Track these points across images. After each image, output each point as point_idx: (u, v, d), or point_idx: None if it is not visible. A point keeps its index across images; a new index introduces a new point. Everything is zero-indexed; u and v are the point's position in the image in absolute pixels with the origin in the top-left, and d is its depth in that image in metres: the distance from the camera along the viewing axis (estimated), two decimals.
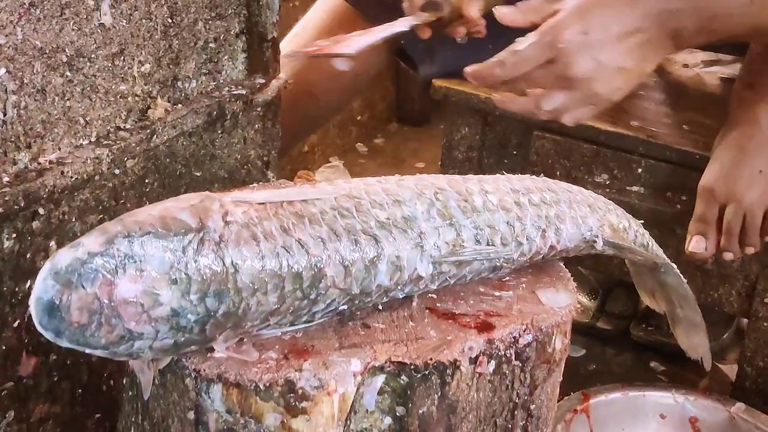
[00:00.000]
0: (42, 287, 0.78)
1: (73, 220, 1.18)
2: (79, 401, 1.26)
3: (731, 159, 1.39)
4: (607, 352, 1.82)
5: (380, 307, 0.93)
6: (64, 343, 0.80)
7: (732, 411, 1.49)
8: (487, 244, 0.95)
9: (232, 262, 0.82)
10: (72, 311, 0.78)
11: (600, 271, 1.85)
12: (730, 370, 1.72)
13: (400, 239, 0.90)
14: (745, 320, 1.58)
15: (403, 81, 2.56)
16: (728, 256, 1.40)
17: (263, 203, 0.87)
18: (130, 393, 0.94)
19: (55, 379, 1.22)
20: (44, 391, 1.21)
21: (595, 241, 1.06)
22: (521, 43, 1.25)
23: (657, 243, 1.20)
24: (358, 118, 2.52)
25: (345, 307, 0.91)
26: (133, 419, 0.94)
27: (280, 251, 0.84)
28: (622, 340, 1.83)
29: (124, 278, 0.79)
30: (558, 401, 1.45)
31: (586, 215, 1.05)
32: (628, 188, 1.46)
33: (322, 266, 0.86)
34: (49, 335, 0.79)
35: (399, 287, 0.92)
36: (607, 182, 1.53)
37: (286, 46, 1.72)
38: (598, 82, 1.25)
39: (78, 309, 0.78)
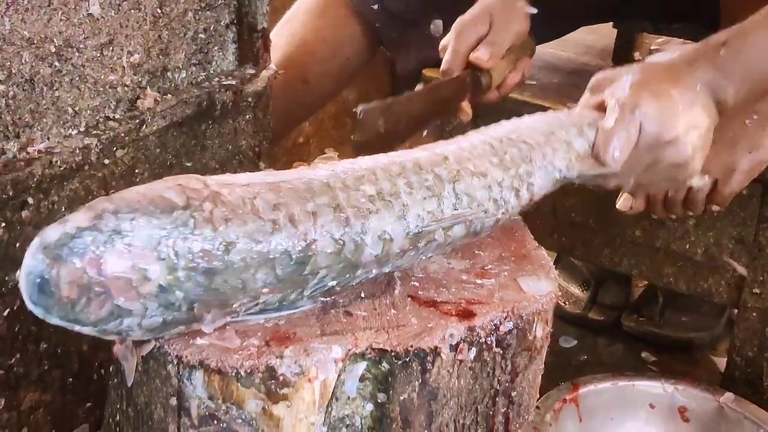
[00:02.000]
0: (31, 262, 0.78)
1: (63, 209, 1.18)
2: (69, 389, 1.27)
3: None
4: (599, 342, 1.82)
5: (363, 295, 0.94)
6: (54, 320, 0.80)
7: (721, 401, 1.49)
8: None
9: (220, 239, 0.83)
10: (62, 285, 0.78)
11: (592, 263, 1.85)
12: (721, 361, 1.73)
13: (385, 213, 0.91)
14: (735, 311, 1.59)
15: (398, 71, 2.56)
16: (654, 215, 1.43)
17: (247, 184, 0.88)
18: (115, 380, 0.94)
19: (46, 367, 1.22)
20: (35, 379, 1.21)
21: (566, 178, 1.08)
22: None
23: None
24: (354, 109, 2.51)
25: (334, 282, 0.91)
26: (118, 406, 0.95)
27: (268, 227, 0.85)
28: (613, 331, 1.84)
29: (113, 253, 0.79)
30: (548, 391, 1.47)
31: (553, 158, 1.06)
32: None
33: (310, 241, 0.87)
34: (38, 311, 0.80)
35: (386, 260, 0.93)
36: None
37: (277, 32, 1.73)
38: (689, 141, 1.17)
39: (68, 283, 0.78)
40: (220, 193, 0.85)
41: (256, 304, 0.88)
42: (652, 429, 1.52)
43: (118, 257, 0.79)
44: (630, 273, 1.66)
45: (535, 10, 1.43)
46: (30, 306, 0.80)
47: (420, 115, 1.35)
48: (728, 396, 1.50)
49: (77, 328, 0.81)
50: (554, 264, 1.97)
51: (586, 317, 1.87)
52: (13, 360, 1.16)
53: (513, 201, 1.01)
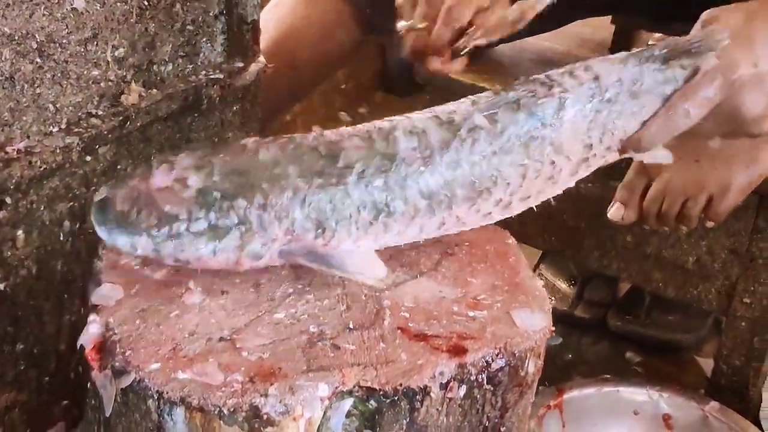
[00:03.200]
0: (97, 197, 0.94)
1: (42, 208, 1.15)
2: (46, 389, 1.25)
3: (675, 141, 1.37)
4: (584, 341, 1.81)
5: (351, 326, 0.91)
6: (114, 235, 0.92)
7: (706, 410, 1.48)
8: None
9: (250, 150, 0.95)
10: (117, 202, 0.92)
11: (581, 265, 1.84)
12: (707, 363, 1.72)
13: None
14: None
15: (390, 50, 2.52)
16: (645, 226, 1.41)
17: None
18: (93, 402, 0.91)
19: (22, 367, 1.20)
20: (10, 380, 1.19)
21: None
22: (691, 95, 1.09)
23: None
24: (342, 86, 2.47)
25: (381, 180, 0.94)
26: (95, 428, 0.92)
27: (296, 139, 0.96)
28: (599, 329, 1.82)
29: (158, 173, 0.93)
30: None
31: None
32: (610, 183, 1.43)
33: (338, 141, 0.95)
34: (101, 231, 0.93)
35: (429, 154, 0.96)
36: (590, 175, 1.50)
37: (265, 16, 1.68)
38: None
39: (121, 200, 0.92)
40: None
41: (303, 201, 0.92)
42: None
43: (162, 175, 0.93)
44: (619, 276, 1.64)
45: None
46: (97, 228, 0.93)
47: None
48: (713, 405, 1.49)
49: (136, 239, 0.91)
50: (541, 258, 1.96)
51: (572, 315, 1.85)
52: None
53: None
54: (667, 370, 1.72)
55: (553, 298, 1.83)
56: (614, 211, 1.39)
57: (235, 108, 1.40)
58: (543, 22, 1.66)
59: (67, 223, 1.18)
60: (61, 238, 1.18)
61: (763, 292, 1.47)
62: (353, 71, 2.48)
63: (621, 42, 1.71)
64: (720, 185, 1.34)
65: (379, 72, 2.61)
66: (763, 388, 1.56)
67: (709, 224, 1.36)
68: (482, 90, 1.47)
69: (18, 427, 1.23)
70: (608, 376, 1.54)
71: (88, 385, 0.93)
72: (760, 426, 1.52)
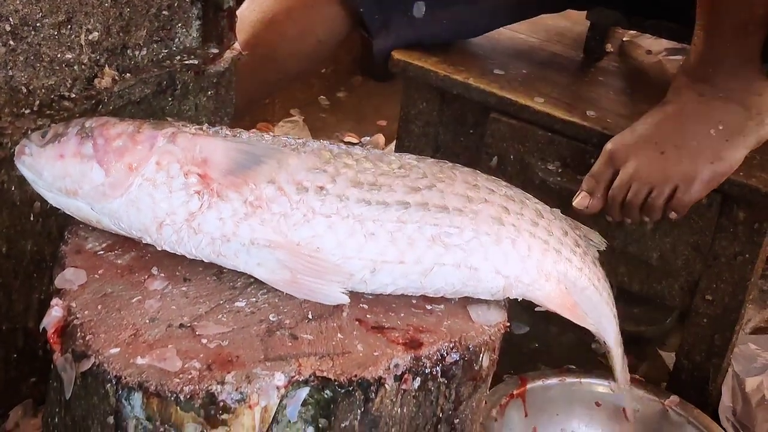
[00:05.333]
0: None
1: (13, 188, 1.16)
2: (13, 366, 1.26)
3: (643, 131, 1.41)
4: (550, 330, 1.82)
5: (310, 316, 0.93)
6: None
7: (666, 403, 1.51)
8: None
9: None
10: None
11: None
12: (670, 357, 1.74)
13: None
14: None
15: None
16: (608, 218, 1.43)
17: None
18: (54, 384, 0.93)
19: None
20: None
21: None
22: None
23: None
24: (322, 70, 2.48)
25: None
26: (57, 410, 0.94)
27: None
28: (565, 320, 1.83)
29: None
30: (497, 381, 1.47)
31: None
32: (579, 177, 1.45)
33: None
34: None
35: None
36: (559, 170, 1.52)
37: (248, 5, 1.69)
38: None
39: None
40: None
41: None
42: (596, 427, 1.53)
43: None
44: None
45: None
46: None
47: None
48: (673, 399, 1.51)
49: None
50: None
51: None
52: None
53: None
54: (630, 362, 1.73)
55: None
56: (580, 200, 1.40)
57: (209, 93, 1.41)
58: (514, 13, 1.68)
59: (37, 204, 1.19)
60: (32, 219, 1.20)
61: (725, 290, 1.49)
62: (333, 56, 2.49)
63: (596, 39, 1.72)
64: (685, 177, 1.36)
65: (358, 56, 2.61)
66: (722, 384, 1.59)
67: (672, 215, 1.38)
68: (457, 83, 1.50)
69: None
70: (572, 366, 1.56)
71: (51, 366, 0.94)
72: (718, 421, 1.54)
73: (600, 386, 1.53)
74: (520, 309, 1.84)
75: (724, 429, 1.51)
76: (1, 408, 1.28)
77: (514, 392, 1.49)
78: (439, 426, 0.95)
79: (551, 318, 1.83)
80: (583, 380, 1.54)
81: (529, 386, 1.50)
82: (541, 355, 1.75)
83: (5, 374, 1.26)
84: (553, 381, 1.53)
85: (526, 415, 1.49)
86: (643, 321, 1.84)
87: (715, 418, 1.54)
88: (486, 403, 1.44)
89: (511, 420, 1.48)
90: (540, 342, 1.80)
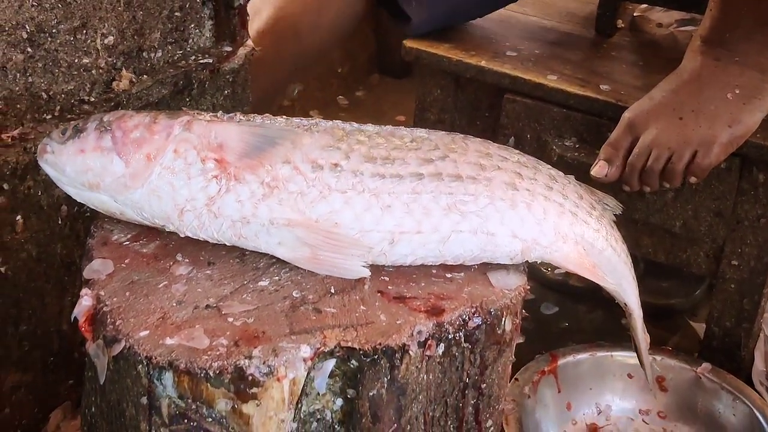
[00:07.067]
0: None
1: (39, 193, 1.19)
2: (51, 369, 1.29)
3: (661, 98, 1.42)
4: (579, 309, 1.83)
5: (333, 290, 0.94)
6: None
7: (698, 371, 1.51)
8: None
9: None
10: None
11: None
12: (701, 328, 1.74)
13: None
14: None
15: (383, 32, 2.54)
16: (626, 188, 1.43)
17: None
18: (90, 374, 0.95)
19: (26, 348, 1.24)
20: (15, 360, 1.23)
21: None
22: None
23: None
24: (339, 70, 2.50)
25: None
26: (93, 398, 0.96)
27: None
28: (593, 297, 1.84)
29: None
30: (528, 359, 1.48)
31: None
32: (596, 151, 1.46)
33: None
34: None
35: None
36: (576, 146, 1.53)
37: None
38: None
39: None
40: None
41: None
42: (630, 399, 1.54)
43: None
44: None
45: None
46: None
47: None
48: (705, 366, 1.51)
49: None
50: None
51: (567, 283, 1.88)
52: None
53: None
54: (662, 334, 1.74)
55: (548, 268, 1.86)
56: (598, 169, 1.41)
57: (225, 92, 1.43)
58: None
59: (64, 207, 1.22)
60: (60, 222, 1.22)
61: (750, 254, 1.49)
62: (349, 55, 2.51)
63: (606, 15, 1.73)
64: (704, 141, 1.37)
65: (374, 55, 2.63)
66: (755, 349, 1.59)
67: (693, 180, 1.39)
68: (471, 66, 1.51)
69: (25, 407, 1.27)
70: (603, 342, 1.57)
71: (86, 358, 0.97)
72: (752, 385, 1.54)
73: (631, 358, 1.53)
74: (549, 289, 1.86)
75: (758, 392, 1.51)
76: (40, 411, 1.30)
77: (546, 369, 1.50)
78: (466, 391, 0.96)
79: (580, 296, 1.86)
80: (614, 354, 1.55)
81: (560, 362, 1.51)
82: (572, 335, 1.75)
83: (43, 378, 1.28)
84: (584, 356, 1.54)
85: (559, 391, 1.50)
86: (673, 294, 1.85)
87: (749, 383, 1.54)
88: (518, 380, 1.45)
89: (545, 396, 1.49)
90: (570, 321, 1.81)
